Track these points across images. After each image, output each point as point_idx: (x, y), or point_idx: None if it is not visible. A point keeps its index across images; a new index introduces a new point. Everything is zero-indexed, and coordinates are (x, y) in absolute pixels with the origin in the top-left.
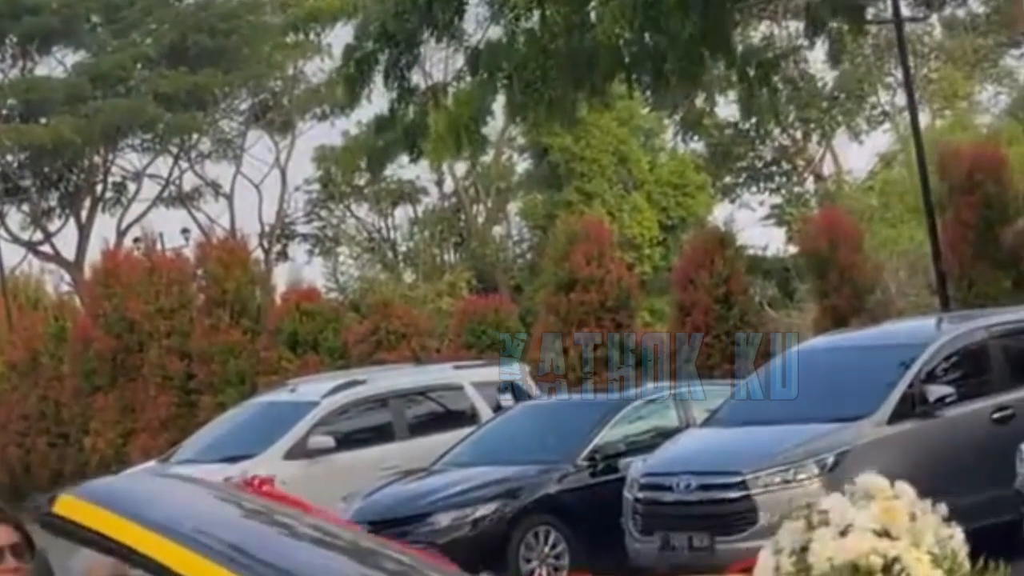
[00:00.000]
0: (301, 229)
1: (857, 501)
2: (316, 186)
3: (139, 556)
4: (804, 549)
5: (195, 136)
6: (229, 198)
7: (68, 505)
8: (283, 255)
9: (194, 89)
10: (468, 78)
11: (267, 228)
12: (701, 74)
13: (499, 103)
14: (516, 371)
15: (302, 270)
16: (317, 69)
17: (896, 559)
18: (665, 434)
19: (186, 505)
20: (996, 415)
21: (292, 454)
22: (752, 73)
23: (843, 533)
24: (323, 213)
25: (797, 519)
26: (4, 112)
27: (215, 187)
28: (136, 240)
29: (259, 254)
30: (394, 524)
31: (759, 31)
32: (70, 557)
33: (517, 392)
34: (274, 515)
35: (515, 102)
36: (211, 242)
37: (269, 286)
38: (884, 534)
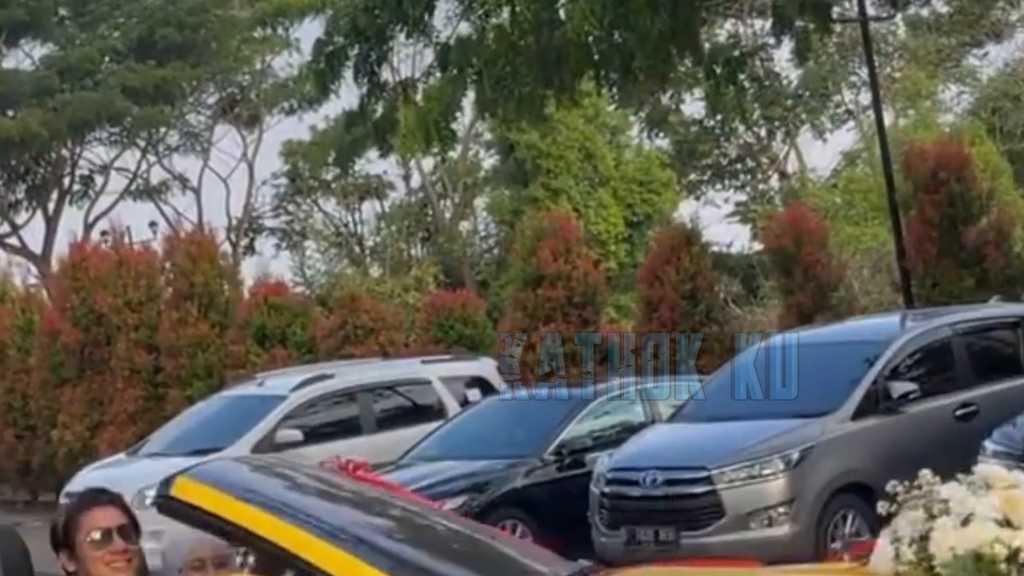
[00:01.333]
0: (268, 223)
1: (976, 491)
2: (284, 180)
3: (255, 537)
4: (924, 538)
5: (163, 129)
6: (197, 192)
7: (185, 487)
8: (250, 249)
9: (162, 83)
10: (438, 74)
11: (235, 222)
12: (669, 72)
13: (468, 99)
14: (483, 366)
15: (269, 264)
16: (285, 64)
17: (1020, 549)
18: (631, 429)
19: (294, 487)
20: (959, 412)
21: (260, 448)
22: (719, 71)
23: (964, 522)
24: (290, 207)
25: (915, 508)
26: None
27: (183, 180)
28: (104, 233)
29: (227, 248)
30: None
31: (726, 29)
32: (172, 538)
33: (484, 387)
34: (372, 497)
35: (484, 98)
36: (179, 235)
37: (237, 280)
38: (1006, 523)
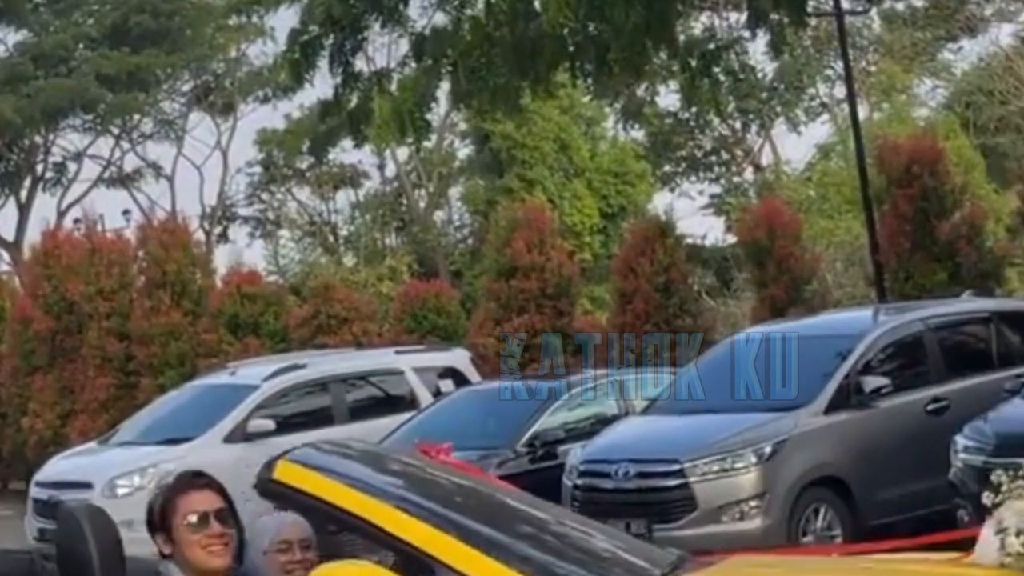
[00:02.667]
0: (242, 211)
1: None
2: (258, 169)
3: (358, 520)
4: None
5: (136, 117)
6: (170, 180)
7: (287, 471)
8: (224, 237)
9: (136, 70)
10: (412, 64)
11: (208, 210)
12: (644, 64)
13: (443, 90)
14: (457, 356)
15: (243, 252)
16: (260, 52)
17: None
18: (604, 421)
19: (387, 471)
20: (931, 406)
21: (232, 437)
22: (694, 64)
23: None
24: (264, 196)
25: (1020, 498)
26: None
27: (156, 168)
28: (76, 221)
29: (200, 236)
30: None
31: (701, 22)
32: (256, 520)
33: (457, 377)
34: (464, 481)
35: (459, 89)
36: (152, 223)
37: (210, 268)
38: None
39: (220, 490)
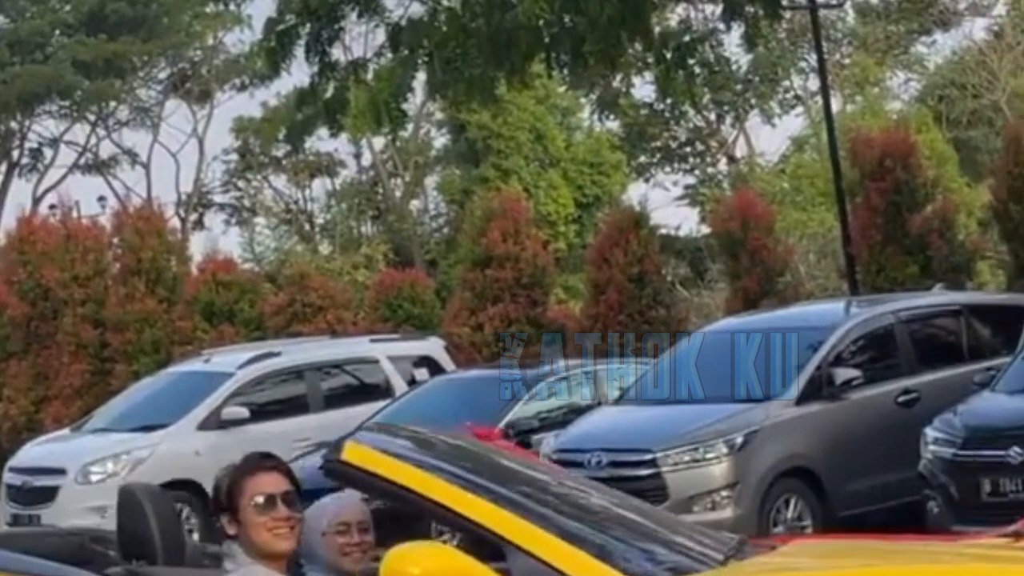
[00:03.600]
0: (218, 199)
1: None
2: (234, 156)
3: (428, 501)
4: None
5: (113, 104)
6: (146, 167)
7: (356, 452)
8: (200, 224)
9: (113, 57)
10: (389, 55)
11: (184, 197)
12: (619, 56)
13: (419, 80)
14: (432, 345)
15: (218, 240)
16: (237, 40)
17: None
18: (577, 411)
19: (450, 453)
20: (901, 398)
21: (206, 424)
22: (669, 56)
23: None
24: (240, 183)
25: None
26: None
27: (132, 155)
28: (52, 207)
29: (176, 223)
30: (306, 496)
31: (676, 14)
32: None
33: (432, 366)
34: (522, 463)
35: (435, 79)
36: (127, 210)
37: (185, 255)
38: None
39: (288, 473)
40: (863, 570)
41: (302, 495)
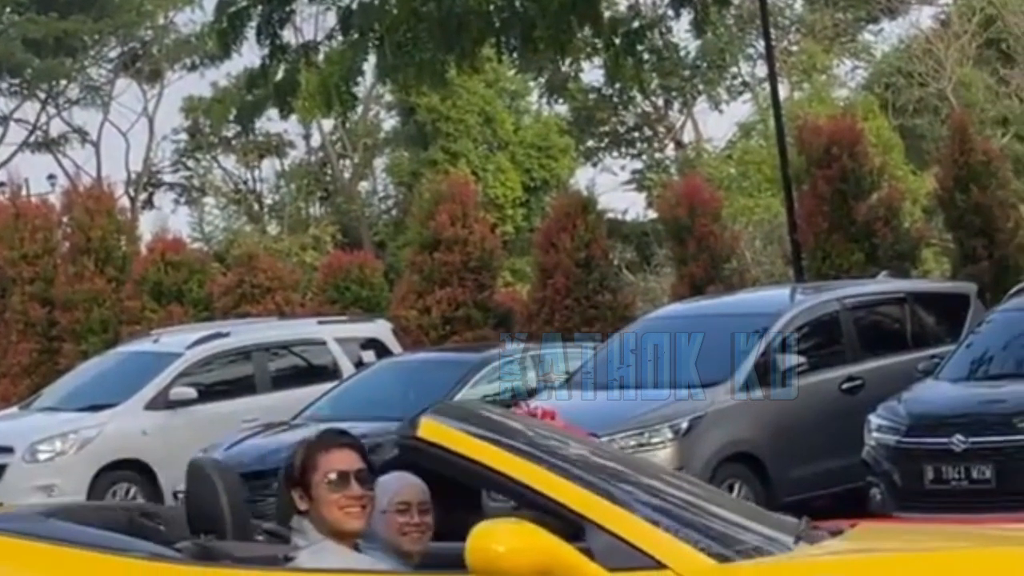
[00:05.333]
0: (168, 178)
1: None
2: (183, 136)
3: (507, 479)
4: None
5: (63, 82)
6: (96, 145)
7: (432, 428)
8: (149, 203)
9: (63, 35)
10: (340, 38)
11: (133, 176)
12: (569, 41)
13: (370, 63)
14: (379, 327)
15: (168, 219)
16: (188, 19)
17: None
18: (524, 394)
19: (518, 430)
20: (846, 385)
21: (154, 404)
22: (618, 42)
23: None
24: (190, 163)
25: None
26: None
27: (82, 134)
28: (1, 185)
29: (125, 202)
30: (253, 477)
31: (625, 0)
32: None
33: (379, 349)
34: (592, 443)
35: (386, 63)
36: (77, 189)
37: (135, 235)
38: None
39: (361, 450)
40: (954, 552)
41: (375, 476)
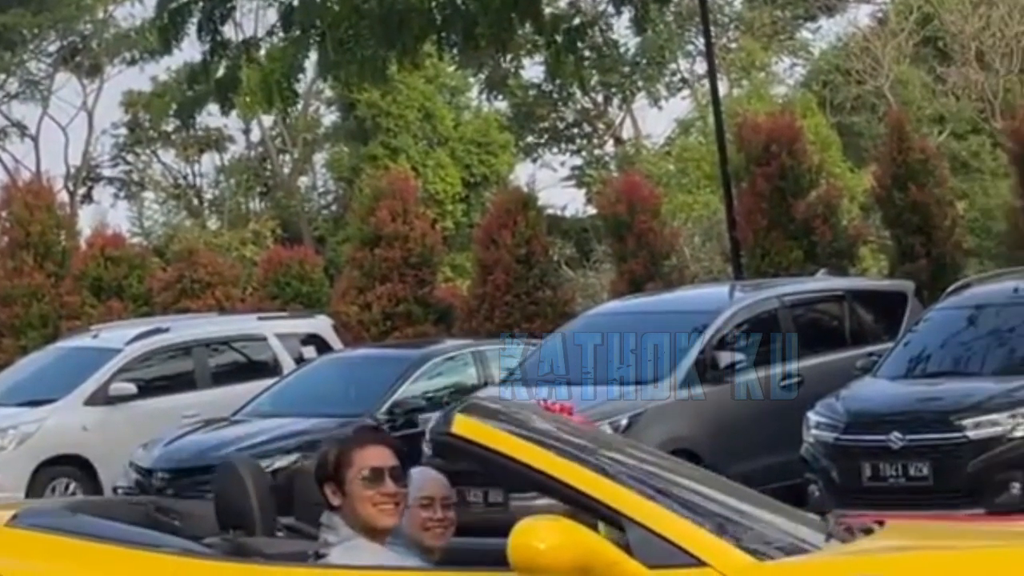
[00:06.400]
0: (107, 173)
1: None
2: (123, 130)
3: (542, 475)
4: None
5: (2, 76)
6: (35, 139)
7: (465, 425)
8: (88, 198)
9: (2, 29)
10: (281, 34)
11: (73, 171)
12: (510, 39)
13: (311, 60)
14: (319, 323)
15: (107, 214)
16: (128, 14)
17: None
18: (464, 391)
19: (549, 427)
20: (784, 383)
21: (93, 400)
22: (559, 40)
23: None
24: (130, 157)
25: None
26: None
27: (21, 128)
28: None
29: (64, 196)
30: (194, 472)
31: None
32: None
33: (320, 344)
34: (615, 440)
35: (327, 60)
36: (16, 184)
37: (74, 230)
38: None
39: (396, 448)
40: (993, 549)
41: (408, 473)
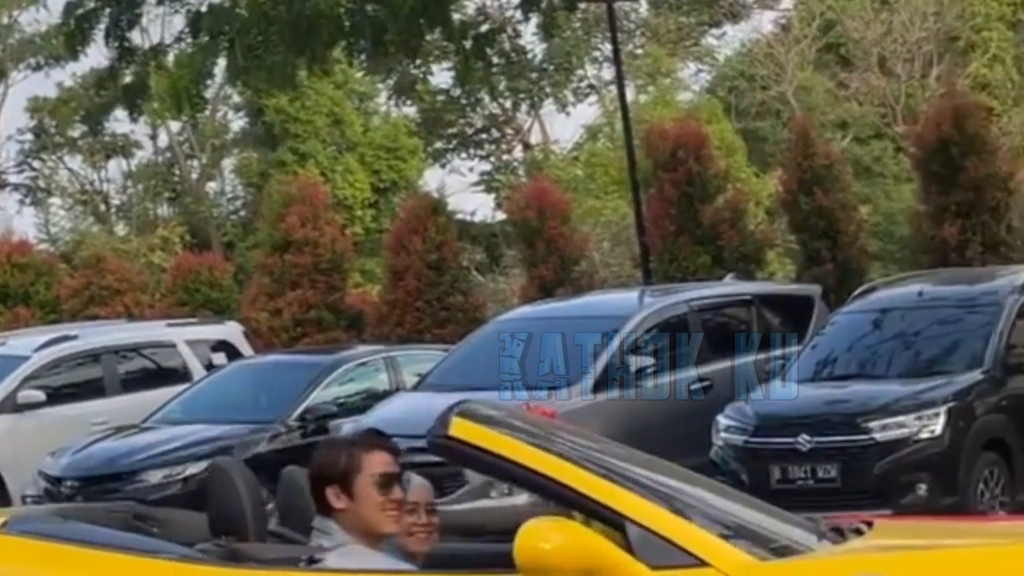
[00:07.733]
0: (12, 179)
1: None
2: (29, 136)
3: (541, 477)
4: None
5: None
6: None
7: (463, 427)
8: None
9: None
10: (189, 40)
11: None
12: (419, 45)
13: (220, 66)
14: (229, 330)
15: (13, 220)
16: (32, 19)
17: None
18: (376, 397)
19: (544, 430)
20: (694, 387)
21: (1, 408)
22: (468, 46)
23: None
24: (35, 163)
25: None
26: None
27: None
28: None
29: None
30: (103, 480)
31: (474, 4)
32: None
33: (230, 351)
34: (615, 445)
35: (236, 66)
36: None
37: None
38: None
39: (397, 455)
40: (985, 547)
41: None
